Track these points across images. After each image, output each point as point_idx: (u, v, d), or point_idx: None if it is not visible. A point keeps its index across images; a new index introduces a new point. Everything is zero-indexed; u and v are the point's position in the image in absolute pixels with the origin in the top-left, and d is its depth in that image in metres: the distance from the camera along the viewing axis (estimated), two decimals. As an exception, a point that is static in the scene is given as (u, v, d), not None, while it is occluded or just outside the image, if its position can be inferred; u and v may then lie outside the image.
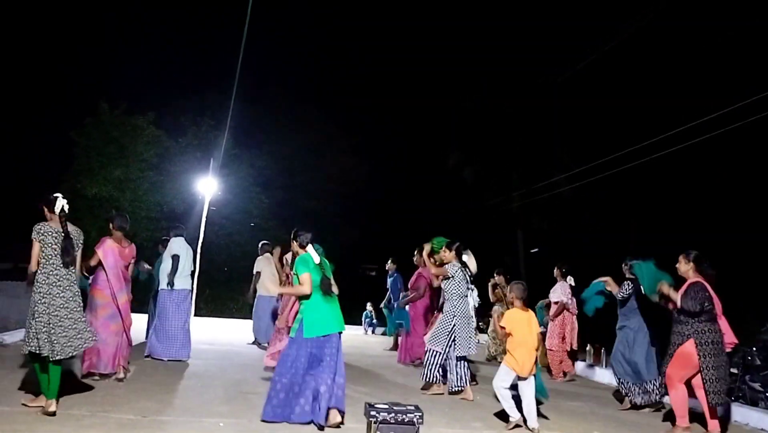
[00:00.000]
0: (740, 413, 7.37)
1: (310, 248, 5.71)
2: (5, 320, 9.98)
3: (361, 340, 14.33)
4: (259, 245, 11.19)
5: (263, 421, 5.36)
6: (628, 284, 7.65)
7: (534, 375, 5.94)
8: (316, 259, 5.64)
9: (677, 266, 6.40)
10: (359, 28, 29.65)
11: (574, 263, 9.89)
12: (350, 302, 18.58)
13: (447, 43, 28.43)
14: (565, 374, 9.85)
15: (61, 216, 5.47)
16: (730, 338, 6.15)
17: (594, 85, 21.23)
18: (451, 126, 26.72)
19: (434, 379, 7.58)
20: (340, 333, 5.63)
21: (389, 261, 12.38)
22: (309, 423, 5.33)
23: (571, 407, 7.51)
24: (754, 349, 7.85)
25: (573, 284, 9.84)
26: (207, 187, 19.45)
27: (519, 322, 5.93)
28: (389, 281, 12.39)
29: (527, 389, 5.86)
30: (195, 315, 17.14)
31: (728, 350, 6.03)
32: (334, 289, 5.62)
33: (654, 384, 7.42)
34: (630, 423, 6.85)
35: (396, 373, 9.21)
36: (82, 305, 5.61)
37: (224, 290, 20.98)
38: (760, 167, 18.14)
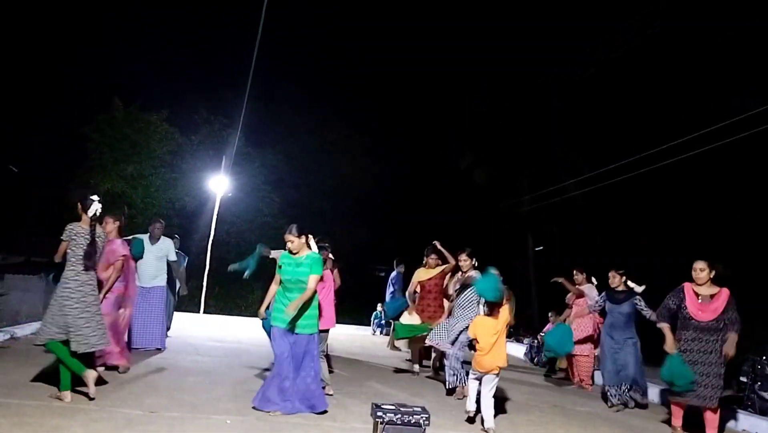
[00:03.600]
0: (749, 422, 7.34)
1: (288, 236, 5.80)
2: (16, 314, 10.04)
3: (369, 340, 14.33)
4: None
5: (254, 408, 5.70)
6: (603, 297, 8.17)
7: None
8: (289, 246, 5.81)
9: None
10: (359, 28, 29.48)
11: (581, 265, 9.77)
12: (359, 303, 18.67)
13: (454, 43, 28.17)
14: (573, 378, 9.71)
15: (93, 220, 5.58)
16: None
17: (607, 86, 21.07)
18: (462, 128, 26.64)
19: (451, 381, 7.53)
20: (291, 331, 5.74)
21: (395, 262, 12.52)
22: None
23: (580, 411, 7.50)
24: (764, 358, 7.80)
25: (596, 282, 9.45)
26: (218, 185, 19.56)
27: (483, 327, 6.07)
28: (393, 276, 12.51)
29: (485, 389, 5.96)
30: (204, 312, 17.25)
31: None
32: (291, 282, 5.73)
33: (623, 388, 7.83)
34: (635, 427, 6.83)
35: (404, 374, 9.20)
36: (99, 307, 5.78)
37: (233, 287, 20.97)
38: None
